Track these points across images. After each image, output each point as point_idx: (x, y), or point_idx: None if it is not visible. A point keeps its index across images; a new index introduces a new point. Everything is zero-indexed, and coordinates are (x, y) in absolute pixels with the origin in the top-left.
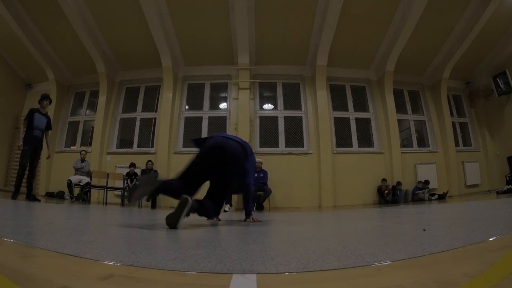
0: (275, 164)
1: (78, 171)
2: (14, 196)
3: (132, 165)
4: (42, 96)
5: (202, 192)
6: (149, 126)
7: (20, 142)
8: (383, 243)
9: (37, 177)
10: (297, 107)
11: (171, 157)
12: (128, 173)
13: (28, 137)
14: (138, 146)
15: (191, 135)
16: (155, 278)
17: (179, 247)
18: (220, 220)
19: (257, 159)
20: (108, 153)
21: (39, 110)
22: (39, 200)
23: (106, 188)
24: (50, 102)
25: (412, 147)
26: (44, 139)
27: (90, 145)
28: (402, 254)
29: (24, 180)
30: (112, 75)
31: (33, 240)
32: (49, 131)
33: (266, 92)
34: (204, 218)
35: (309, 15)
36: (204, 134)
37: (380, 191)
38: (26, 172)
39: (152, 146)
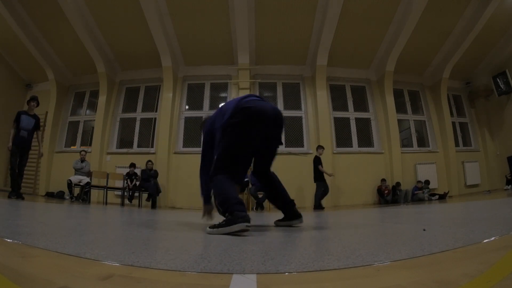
0: (275, 164)
1: (78, 171)
2: (11, 195)
3: (132, 165)
4: (30, 97)
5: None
6: (149, 126)
7: (10, 143)
8: (383, 243)
9: (37, 177)
10: (297, 107)
11: (171, 157)
12: (128, 173)
13: (15, 138)
14: (138, 146)
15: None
16: (155, 278)
17: (179, 247)
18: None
19: None
20: (108, 153)
21: (27, 112)
22: (23, 198)
23: (106, 188)
24: (38, 104)
25: (412, 147)
26: (36, 139)
27: (90, 145)
28: (402, 254)
29: None
30: (112, 75)
31: (33, 240)
32: (39, 131)
33: (266, 92)
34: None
35: (309, 15)
36: None
37: (380, 191)
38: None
39: (152, 146)
